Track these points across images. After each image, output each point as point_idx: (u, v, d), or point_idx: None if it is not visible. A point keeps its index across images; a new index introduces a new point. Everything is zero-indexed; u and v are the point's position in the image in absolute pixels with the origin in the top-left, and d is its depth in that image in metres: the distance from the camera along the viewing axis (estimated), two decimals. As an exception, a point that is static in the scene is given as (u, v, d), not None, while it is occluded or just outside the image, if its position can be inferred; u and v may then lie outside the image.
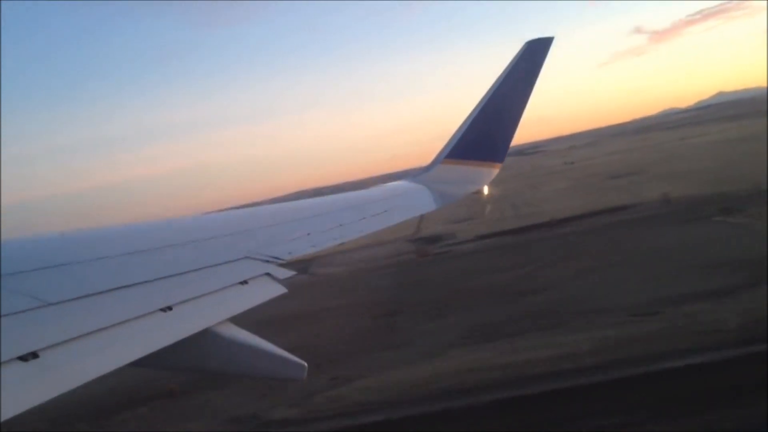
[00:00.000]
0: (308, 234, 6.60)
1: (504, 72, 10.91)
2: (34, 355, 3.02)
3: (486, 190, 11.01)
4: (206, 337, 4.04)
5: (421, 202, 9.61)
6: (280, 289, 4.95)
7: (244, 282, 4.84)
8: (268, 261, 5.42)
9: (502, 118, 11.02)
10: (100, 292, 3.97)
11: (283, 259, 5.56)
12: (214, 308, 4.34)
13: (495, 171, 11.22)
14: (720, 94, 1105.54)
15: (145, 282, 4.35)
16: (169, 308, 4.02)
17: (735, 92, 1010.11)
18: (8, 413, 2.64)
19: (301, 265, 69.52)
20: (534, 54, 10.82)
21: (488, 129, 11.06)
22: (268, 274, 5.12)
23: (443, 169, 10.90)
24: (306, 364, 4.27)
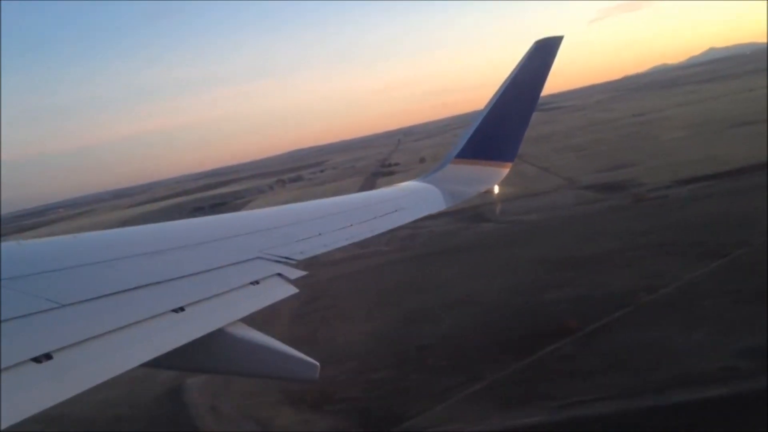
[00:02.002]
0: (319, 234, 6.62)
1: (513, 71, 10.88)
2: (47, 356, 3.05)
3: (496, 189, 10.92)
4: (218, 337, 4.09)
5: (431, 202, 9.61)
6: (292, 290, 5.04)
7: (256, 282, 4.91)
8: (279, 261, 5.46)
9: (512, 118, 11.04)
10: (113, 294, 4.02)
11: (294, 260, 5.59)
12: (226, 309, 4.39)
13: (505, 171, 11.14)
14: (711, 50, 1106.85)
15: (158, 283, 4.39)
16: (182, 309, 4.07)
17: (726, 48, 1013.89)
18: (22, 414, 2.65)
19: (471, 212, 69.25)
20: (543, 53, 10.83)
21: (498, 129, 11.06)
22: (279, 274, 5.19)
23: (453, 168, 10.91)
24: (318, 364, 4.30)
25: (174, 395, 32.69)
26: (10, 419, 2.63)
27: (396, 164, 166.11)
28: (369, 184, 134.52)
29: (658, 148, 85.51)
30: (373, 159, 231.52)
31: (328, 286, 49.56)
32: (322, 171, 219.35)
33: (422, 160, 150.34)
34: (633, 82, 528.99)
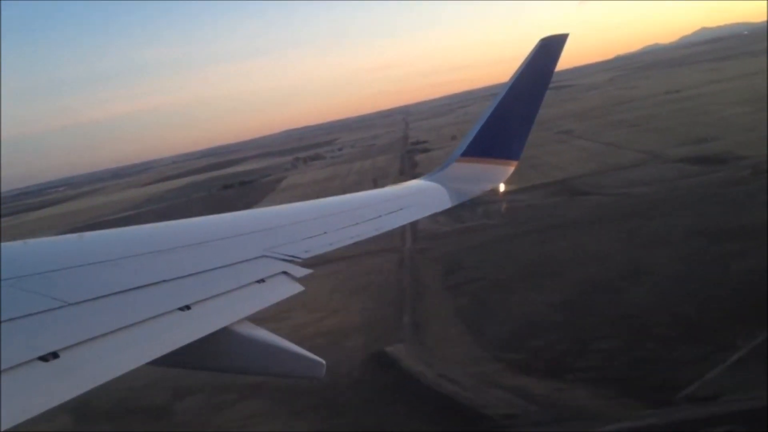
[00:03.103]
0: (325, 233, 6.66)
1: (518, 70, 10.86)
2: (54, 355, 3.07)
3: (502, 187, 10.85)
4: (224, 335, 4.12)
5: (436, 200, 9.57)
6: (297, 287, 5.07)
7: (262, 280, 4.95)
8: (285, 259, 5.51)
9: (517, 116, 10.98)
10: (120, 292, 4.05)
11: (300, 258, 5.63)
12: (232, 307, 4.42)
13: (510, 169, 11.05)
14: (703, 29, 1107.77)
15: (163, 281, 4.42)
16: (188, 307, 4.09)
17: (719, 28, 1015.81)
18: (29, 413, 2.66)
19: (553, 187, 68.65)
20: (548, 51, 10.85)
21: (503, 127, 11.04)
22: (285, 272, 5.23)
23: (458, 167, 10.81)
24: (324, 362, 4.30)
25: (385, 363, 32.00)
26: (17, 417, 2.64)
27: (424, 141, 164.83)
28: (408, 161, 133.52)
29: (728, 122, 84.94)
30: (388, 138, 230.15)
31: (456, 259, 48.93)
32: (340, 149, 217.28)
33: (453, 138, 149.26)
34: (626, 62, 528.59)
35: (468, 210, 66.43)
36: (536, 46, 10.96)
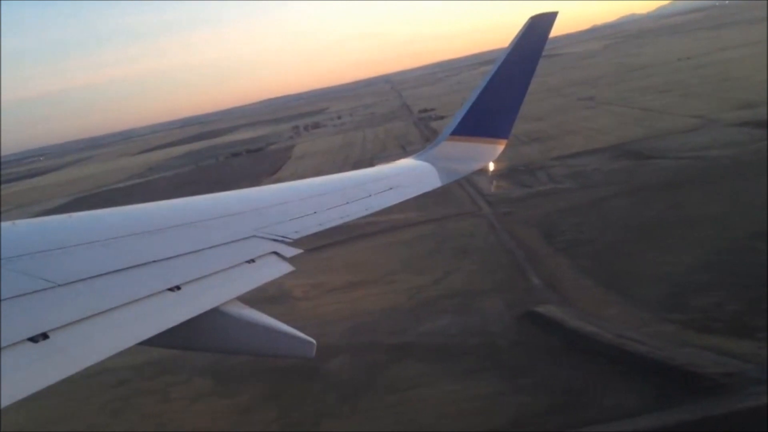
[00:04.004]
0: (314, 212, 6.67)
1: (508, 48, 10.98)
2: (44, 336, 3.07)
3: (491, 166, 11.13)
4: (215, 316, 4.13)
5: (427, 179, 9.62)
6: (288, 267, 5.16)
7: (252, 261, 4.99)
8: (275, 240, 5.54)
9: (507, 95, 11.11)
10: (109, 273, 4.03)
11: (290, 238, 5.66)
12: (222, 287, 4.44)
13: (500, 147, 11.26)
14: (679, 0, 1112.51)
15: (153, 262, 4.41)
16: (178, 288, 4.11)
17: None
18: (19, 394, 2.66)
19: (611, 152, 67.49)
20: (538, 29, 10.96)
21: (493, 105, 11.14)
22: (275, 252, 5.29)
23: (448, 146, 10.96)
24: (315, 342, 4.35)
25: (541, 323, 31.21)
26: (7, 398, 2.64)
27: (432, 109, 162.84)
28: (426, 128, 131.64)
29: (764, 88, 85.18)
30: (386, 106, 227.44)
31: (550, 222, 48.12)
32: (339, 118, 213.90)
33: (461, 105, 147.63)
34: (605, 31, 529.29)
35: (525, 175, 65.63)
36: (525, 25, 10.98)
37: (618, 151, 68.39)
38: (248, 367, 31.15)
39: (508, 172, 68.36)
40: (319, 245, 52.00)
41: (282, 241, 5.56)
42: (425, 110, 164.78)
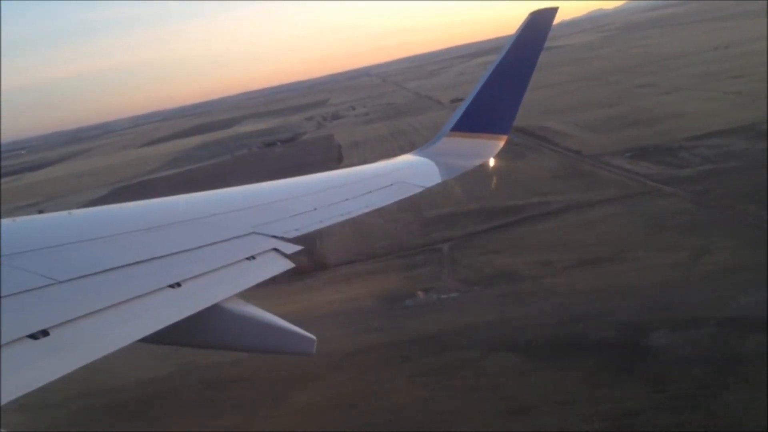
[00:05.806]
0: (315, 209, 6.67)
1: (508, 43, 10.98)
2: (44, 333, 3.04)
3: (492, 162, 11.10)
4: (215, 312, 4.18)
5: (427, 175, 9.67)
6: (288, 264, 5.15)
7: (252, 257, 4.99)
8: (275, 236, 5.54)
9: (507, 91, 11.15)
10: (109, 270, 4.04)
11: (290, 235, 5.64)
12: (223, 284, 4.47)
13: (500, 143, 11.29)
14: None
15: (154, 259, 4.41)
16: (178, 284, 4.11)
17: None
18: (19, 392, 2.63)
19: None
20: (538, 25, 10.93)
21: (493, 102, 11.17)
22: (275, 249, 5.30)
23: (448, 142, 10.99)
24: (315, 338, 4.42)
25: None
26: (7, 396, 2.59)
27: (462, 99, 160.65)
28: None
29: None
30: (399, 97, 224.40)
31: (681, 200, 46.28)
32: (353, 108, 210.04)
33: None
34: (573, 26, 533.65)
35: (666, 155, 63.84)
36: (525, 21, 10.82)
37: (747, 134, 67.17)
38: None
39: (641, 153, 66.84)
40: (485, 228, 49.56)
41: (282, 238, 5.53)
42: (457, 100, 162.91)
